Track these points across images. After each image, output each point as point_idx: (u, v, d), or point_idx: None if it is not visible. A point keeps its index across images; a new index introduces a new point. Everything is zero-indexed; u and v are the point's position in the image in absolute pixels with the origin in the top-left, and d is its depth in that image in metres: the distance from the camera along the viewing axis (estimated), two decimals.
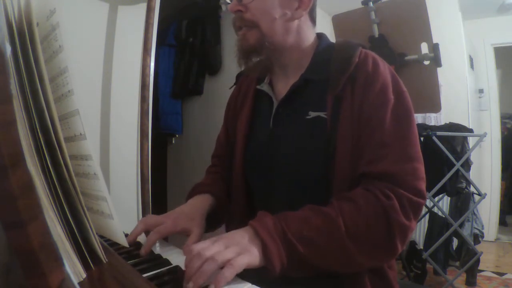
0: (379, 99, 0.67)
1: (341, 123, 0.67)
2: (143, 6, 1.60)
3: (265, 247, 0.55)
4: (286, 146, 0.73)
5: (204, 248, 0.53)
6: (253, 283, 0.51)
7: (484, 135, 2.00)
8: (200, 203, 0.76)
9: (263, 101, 0.82)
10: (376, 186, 0.61)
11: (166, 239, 0.73)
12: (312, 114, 0.71)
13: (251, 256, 0.54)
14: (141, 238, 0.68)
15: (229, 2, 0.74)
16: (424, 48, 1.68)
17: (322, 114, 0.70)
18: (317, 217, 0.59)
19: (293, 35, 0.75)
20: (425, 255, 1.81)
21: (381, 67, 0.70)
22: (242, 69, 0.83)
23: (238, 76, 0.94)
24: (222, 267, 0.51)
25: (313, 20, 0.79)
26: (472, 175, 2.20)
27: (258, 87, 0.82)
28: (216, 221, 0.82)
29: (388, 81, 0.69)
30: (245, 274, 0.54)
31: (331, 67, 0.72)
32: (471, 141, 2.23)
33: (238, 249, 0.54)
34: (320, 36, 0.81)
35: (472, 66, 3.17)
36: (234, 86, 0.95)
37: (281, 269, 0.56)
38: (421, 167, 0.65)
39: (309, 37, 0.78)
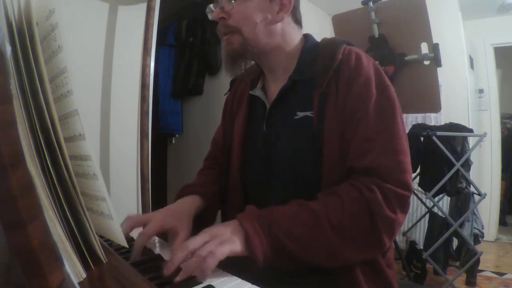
0: (362, 94, 0.68)
1: (327, 120, 0.68)
2: (143, 6, 1.60)
3: (247, 237, 0.57)
4: (279, 148, 0.75)
5: (189, 241, 0.56)
6: (253, 283, 0.51)
7: (484, 135, 2.00)
8: (188, 204, 0.76)
9: (257, 105, 0.83)
10: (360, 181, 0.62)
11: (166, 239, 0.73)
12: (300, 114, 0.73)
13: (233, 245, 0.56)
14: (134, 235, 0.67)
15: (214, 10, 0.76)
16: (424, 48, 1.68)
17: (309, 113, 0.71)
18: (301, 211, 0.61)
19: (278, 38, 0.76)
20: (425, 255, 1.81)
21: (364, 62, 0.71)
22: (229, 75, 0.84)
23: (232, 82, 0.96)
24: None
25: (297, 22, 0.80)
26: (472, 175, 2.20)
27: (251, 92, 0.83)
28: (203, 224, 0.81)
29: (371, 76, 0.69)
30: (242, 271, 0.54)
31: (317, 65, 0.73)
32: (471, 141, 2.23)
33: (220, 239, 0.56)
34: (306, 36, 0.82)
35: (472, 66, 3.17)
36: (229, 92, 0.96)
37: (264, 259, 0.57)
38: (406, 160, 0.65)
39: (295, 39, 0.79)
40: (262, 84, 0.85)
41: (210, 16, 0.77)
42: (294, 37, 0.79)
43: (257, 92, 0.82)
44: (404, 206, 0.62)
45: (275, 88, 0.79)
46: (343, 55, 0.71)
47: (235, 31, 0.74)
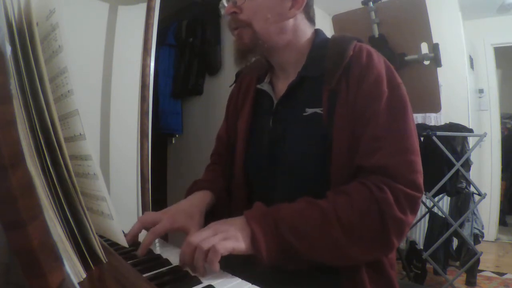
0: (373, 92, 0.67)
1: (337, 118, 0.67)
2: (143, 6, 1.60)
3: (253, 236, 0.57)
4: (286, 145, 0.74)
5: (193, 236, 0.57)
6: (253, 283, 0.51)
7: (484, 135, 2.00)
8: (199, 200, 0.76)
9: (264, 100, 0.82)
10: (370, 179, 0.61)
11: (166, 239, 0.73)
12: (309, 110, 0.72)
13: (237, 242, 0.56)
14: (141, 236, 0.68)
15: (226, 5, 0.76)
16: (424, 48, 1.68)
17: (318, 110, 0.71)
18: (310, 209, 0.60)
19: (289, 34, 0.75)
20: (425, 255, 1.81)
21: (375, 60, 0.70)
22: (240, 68, 0.84)
23: (238, 74, 0.94)
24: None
25: (310, 19, 0.79)
26: (472, 175, 2.20)
27: (258, 86, 0.83)
28: (215, 219, 0.82)
29: (383, 74, 0.69)
30: (242, 271, 0.54)
31: (326, 62, 0.72)
32: (471, 141, 2.23)
33: (224, 235, 0.57)
34: (316, 32, 0.81)
35: (472, 66, 3.17)
36: (234, 84, 0.95)
37: (268, 257, 0.57)
38: (417, 160, 0.64)
39: (306, 35, 0.78)
40: (269, 79, 0.84)
41: (222, 11, 0.77)
42: (306, 33, 0.78)
43: (265, 86, 0.81)
44: (414, 207, 0.62)
45: (283, 83, 0.79)
46: (353, 51, 0.71)
47: (245, 25, 0.74)
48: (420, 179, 0.63)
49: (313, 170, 0.70)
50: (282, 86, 0.79)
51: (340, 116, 0.67)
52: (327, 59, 0.72)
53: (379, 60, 0.71)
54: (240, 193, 0.81)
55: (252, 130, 0.82)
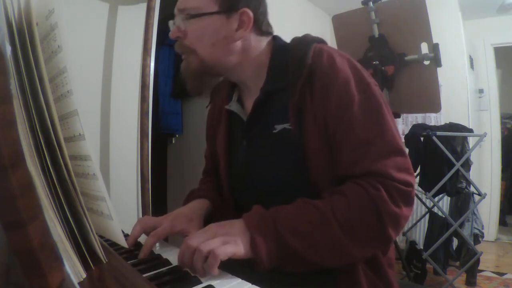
0: (342, 98, 0.64)
1: (307, 131, 0.65)
2: (143, 6, 1.60)
3: (253, 240, 0.57)
4: (261, 163, 0.73)
5: (192, 237, 0.56)
6: (253, 283, 0.51)
7: (484, 135, 2.00)
8: (198, 206, 0.77)
9: (236, 119, 0.79)
10: (365, 180, 0.61)
11: (166, 239, 0.73)
12: (278, 127, 0.69)
13: (236, 246, 0.56)
14: (141, 238, 0.68)
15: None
16: (424, 48, 1.68)
17: (286, 126, 0.68)
18: (308, 210, 0.60)
19: (238, 55, 0.72)
20: (425, 255, 1.81)
21: (338, 62, 0.66)
22: (194, 95, 0.80)
23: (212, 94, 0.90)
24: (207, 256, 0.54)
25: (263, 33, 0.74)
26: (472, 175, 2.20)
27: (226, 107, 0.79)
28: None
29: (349, 76, 0.65)
30: (242, 271, 0.54)
31: (288, 72, 0.69)
32: (471, 141, 2.23)
33: (223, 239, 0.56)
34: (274, 39, 0.77)
35: (472, 66, 3.17)
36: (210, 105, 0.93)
37: (269, 261, 0.57)
38: (403, 159, 0.63)
39: (260, 48, 0.74)
40: (237, 96, 0.80)
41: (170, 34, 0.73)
42: (259, 47, 0.74)
43: (233, 106, 0.78)
44: (408, 201, 0.62)
45: (251, 100, 0.75)
46: (313, 57, 0.67)
47: (190, 51, 0.70)
48: (409, 176, 0.63)
49: (291, 186, 0.69)
50: (250, 103, 0.76)
51: (310, 129, 0.65)
52: (288, 69, 0.69)
53: (342, 61, 0.67)
54: (229, 210, 0.81)
55: (230, 150, 0.80)
